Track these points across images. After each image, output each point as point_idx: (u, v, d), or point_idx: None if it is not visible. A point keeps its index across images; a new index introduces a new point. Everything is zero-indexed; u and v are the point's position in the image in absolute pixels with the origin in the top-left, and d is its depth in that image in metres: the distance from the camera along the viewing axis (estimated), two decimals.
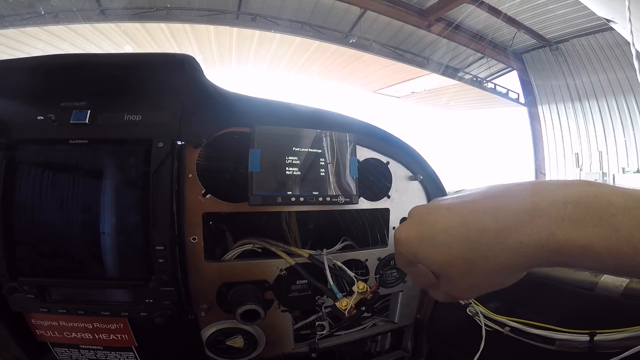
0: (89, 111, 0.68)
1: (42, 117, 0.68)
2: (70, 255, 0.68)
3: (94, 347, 0.78)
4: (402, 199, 0.92)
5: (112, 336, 0.76)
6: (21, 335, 0.74)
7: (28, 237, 0.67)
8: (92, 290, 0.70)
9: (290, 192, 0.74)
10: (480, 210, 0.35)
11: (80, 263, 0.68)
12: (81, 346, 0.77)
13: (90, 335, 0.75)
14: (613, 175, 7.52)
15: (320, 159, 0.78)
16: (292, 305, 0.83)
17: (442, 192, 0.98)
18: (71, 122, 0.68)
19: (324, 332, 0.91)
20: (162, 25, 6.13)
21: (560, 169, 8.63)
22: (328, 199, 0.77)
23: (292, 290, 0.81)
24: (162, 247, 0.66)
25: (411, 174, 0.93)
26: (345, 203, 0.79)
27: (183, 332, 0.78)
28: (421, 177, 0.93)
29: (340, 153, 0.80)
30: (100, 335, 0.76)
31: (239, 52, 7.38)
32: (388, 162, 0.90)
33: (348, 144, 0.81)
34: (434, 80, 8.11)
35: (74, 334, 0.75)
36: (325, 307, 0.89)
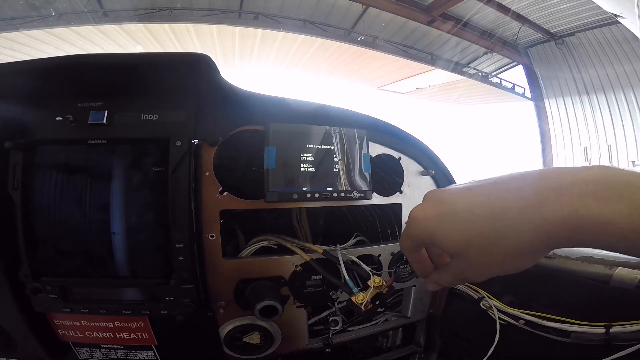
0: (106, 111, 0.69)
1: (60, 118, 0.68)
2: (92, 255, 0.69)
3: (114, 346, 0.78)
4: (414, 194, 0.92)
5: (132, 335, 0.77)
6: (44, 335, 0.75)
7: (50, 238, 0.68)
8: (113, 289, 0.71)
9: (305, 189, 0.75)
10: (503, 190, 0.35)
11: (102, 262, 0.69)
12: (102, 345, 0.78)
13: (111, 334, 0.76)
14: (623, 169, 7.41)
15: (334, 155, 0.78)
16: (307, 301, 0.83)
17: None
18: (89, 122, 0.68)
19: (337, 328, 0.92)
20: (165, 26, 6.16)
21: (569, 163, 8.54)
22: (342, 194, 0.77)
23: (307, 286, 0.82)
24: (181, 245, 0.67)
25: (423, 169, 0.94)
26: (360, 198, 0.79)
27: (202, 330, 0.79)
28: (433, 172, 0.93)
29: (352, 149, 0.80)
30: (121, 334, 0.77)
31: (242, 51, 7.40)
32: (400, 158, 0.91)
33: (360, 140, 0.81)
34: (438, 76, 8.06)
35: (95, 334, 0.76)
36: (339, 303, 0.89)
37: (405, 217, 0.92)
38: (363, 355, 1.08)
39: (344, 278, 0.74)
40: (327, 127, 0.78)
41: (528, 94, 8.85)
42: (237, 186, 0.74)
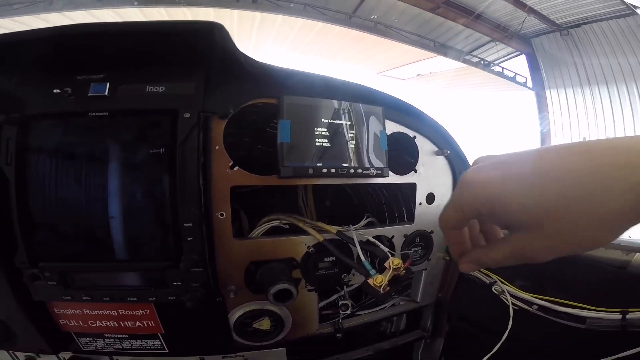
0: (108, 84, 0.64)
1: (58, 91, 0.63)
2: (94, 238, 0.64)
3: (119, 335, 0.74)
4: (429, 173, 0.89)
5: (137, 323, 0.72)
6: (44, 325, 0.71)
7: (47, 219, 0.63)
8: (117, 274, 0.67)
9: (320, 164, 0.71)
10: (571, 154, 0.30)
11: (105, 246, 0.64)
12: (106, 335, 0.74)
13: (115, 323, 0.72)
14: None
15: (350, 131, 0.74)
16: (319, 284, 0.81)
17: (468, 167, 0.94)
18: (89, 95, 0.64)
19: (347, 312, 0.89)
20: (161, 9, 5.99)
21: None
22: (360, 170, 0.74)
23: (319, 268, 0.79)
24: (190, 224, 0.63)
25: (437, 149, 0.90)
26: (377, 176, 0.76)
27: (210, 317, 0.75)
28: (448, 152, 0.89)
29: (369, 125, 0.76)
30: (126, 323, 0.72)
31: (240, 34, 7.24)
32: (415, 137, 0.87)
33: (377, 117, 0.77)
34: (440, 63, 7.97)
35: (98, 323, 0.72)
36: (349, 286, 0.87)
37: (419, 198, 0.88)
38: (366, 340, 1.06)
39: (362, 259, 0.70)
40: (343, 102, 0.75)
41: (529, 83, 8.78)
42: (249, 161, 0.70)
